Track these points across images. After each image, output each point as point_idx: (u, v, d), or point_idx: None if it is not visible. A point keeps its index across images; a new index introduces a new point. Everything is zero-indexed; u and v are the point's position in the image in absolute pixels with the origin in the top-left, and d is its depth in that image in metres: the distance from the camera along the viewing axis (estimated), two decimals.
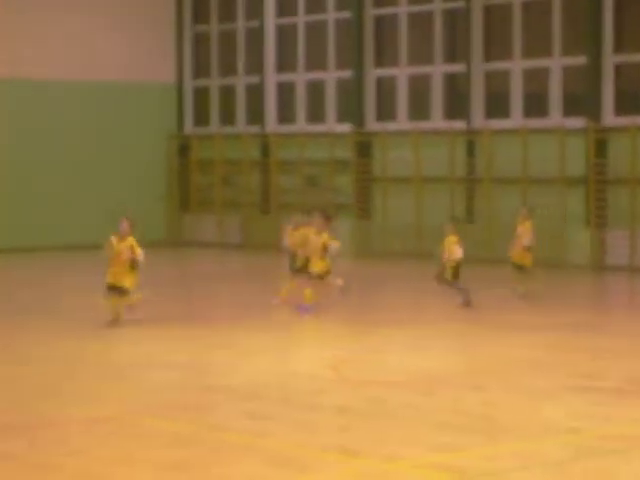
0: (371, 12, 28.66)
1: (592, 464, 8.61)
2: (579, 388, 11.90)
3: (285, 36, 31.50)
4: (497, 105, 27.47)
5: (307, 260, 18.69)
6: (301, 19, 30.30)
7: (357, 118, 29.55)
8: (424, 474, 8.27)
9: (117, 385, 12.92)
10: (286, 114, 32.25)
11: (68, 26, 30.94)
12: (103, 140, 31.31)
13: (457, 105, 28.92)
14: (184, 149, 33.70)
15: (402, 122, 29.11)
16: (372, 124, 29.58)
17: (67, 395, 12.47)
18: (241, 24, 32.43)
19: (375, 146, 29.48)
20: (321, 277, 18.13)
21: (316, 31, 30.42)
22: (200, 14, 33.61)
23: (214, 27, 33.16)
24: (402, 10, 28.02)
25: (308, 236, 18.86)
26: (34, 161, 30.35)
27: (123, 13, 32.38)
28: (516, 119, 26.60)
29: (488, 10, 26.99)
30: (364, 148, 29.80)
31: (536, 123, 26.48)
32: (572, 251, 25.74)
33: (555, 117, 26.44)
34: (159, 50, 33.40)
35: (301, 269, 18.65)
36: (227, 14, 33.05)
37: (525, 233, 20.66)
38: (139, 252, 17.12)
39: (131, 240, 17.34)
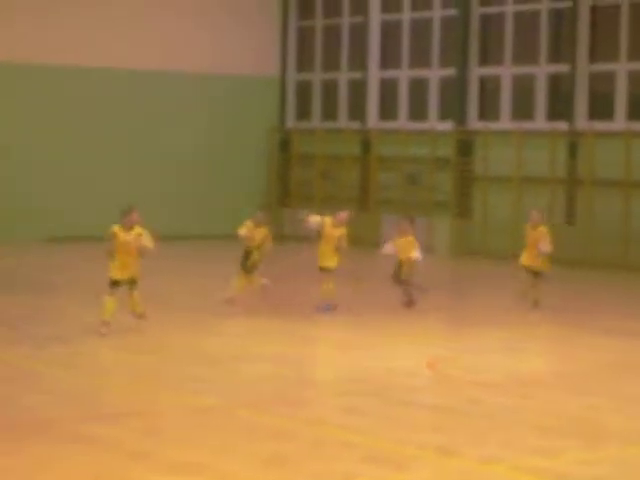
0: (477, 10, 28.61)
1: None
2: None
3: (389, 32, 31.54)
4: (601, 107, 27.27)
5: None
6: (406, 16, 30.23)
7: (459, 116, 29.49)
8: (522, 477, 8.21)
9: (214, 376, 13.08)
10: (388, 110, 32.15)
11: (171, 21, 31.48)
12: (206, 133, 31.71)
13: (560, 106, 28.72)
14: (285, 143, 33.69)
15: (504, 121, 29.04)
16: (474, 123, 29.50)
17: (167, 384, 12.71)
18: (346, 19, 32.55)
19: (476, 145, 29.34)
20: (330, 271, 18.27)
21: (421, 28, 30.34)
22: (305, 9, 33.65)
23: (319, 22, 33.20)
24: (508, 9, 27.82)
25: (324, 228, 19.18)
26: (135, 155, 30.99)
27: (230, 6, 32.56)
28: (619, 122, 26.07)
29: (595, 10, 26.63)
30: (465, 146, 29.60)
31: None
32: None
33: None
34: (264, 44, 33.41)
35: (251, 268, 18.10)
36: (332, 9, 33.11)
37: (541, 238, 20.23)
38: (149, 240, 16.52)
39: (139, 229, 16.65)
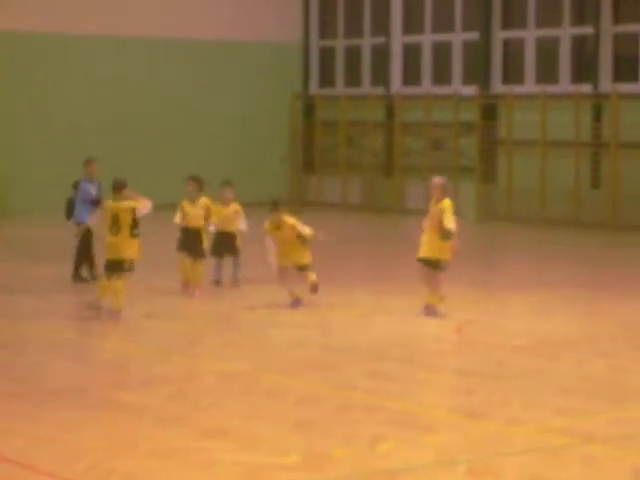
0: None
1: None
2: None
3: None
4: (625, 68, 27.01)
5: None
6: None
7: (483, 80, 29.23)
8: (549, 438, 8.26)
9: (243, 342, 13.20)
10: (411, 76, 31.88)
11: None
12: (228, 99, 31.61)
13: (584, 68, 28.48)
14: (309, 109, 33.53)
15: (528, 85, 28.78)
16: (498, 86, 29.23)
17: (197, 351, 12.98)
18: None
19: (500, 109, 29.17)
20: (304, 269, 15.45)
21: None
22: None
23: None
24: None
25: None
26: (156, 118, 30.92)
27: None
28: None
29: None
30: (489, 111, 29.42)
31: None
32: None
33: None
34: (286, 9, 33.33)
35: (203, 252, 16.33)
36: None
37: (443, 214, 15.36)
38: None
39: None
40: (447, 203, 14.65)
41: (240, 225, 16.83)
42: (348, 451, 7.76)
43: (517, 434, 8.59)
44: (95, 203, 16.19)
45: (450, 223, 14.31)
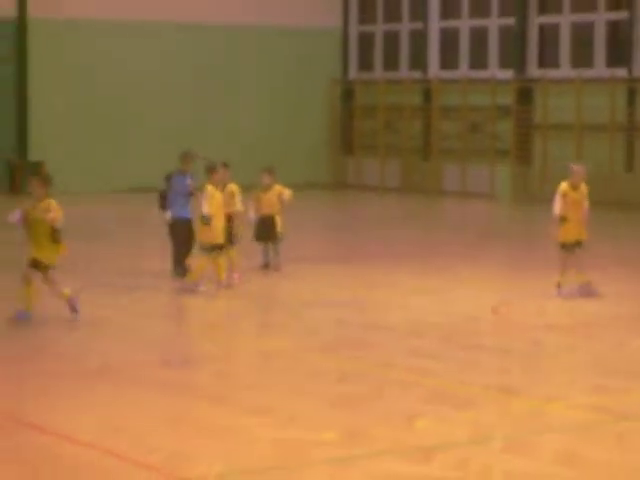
0: None
1: None
2: None
3: None
4: None
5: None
6: None
7: (519, 64, 29.13)
8: (584, 415, 8.28)
9: (284, 321, 13.26)
10: (448, 60, 31.96)
11: None
12: (268, 83, 31.88)
13: (619, 53, 28.30)
14: (348, 94, 33.67)
15: (564, 69, 28.61)
16: (534, 71, 29.15)
17: (239, 329, 12.98)
18: None
19: (536, 93, 29.05)
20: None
21: None
22: None
23: None
24: None
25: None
26: (202, 100, 31.12)
27: None
28: None
29: None
30: (525, 95, 29.34)
31: None
32: None
33: None
34: None
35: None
36: None
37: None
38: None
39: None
40: (585, 188, 15.22)
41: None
42: (385, 428, 7.79)
43: (551, 411, 8.60)
44: (190, 195, 15.79)
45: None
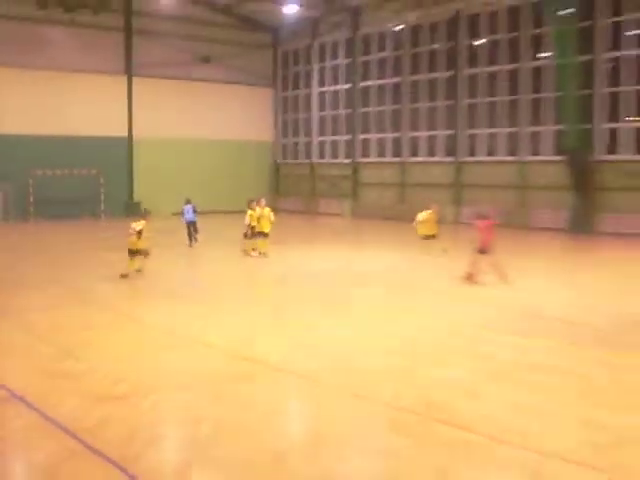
0: None
1: None
2: None
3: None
4: None
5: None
6: None
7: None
8: None
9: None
10: (326, 154, 47.12)
11: (222, 112, 47.22)
12: (238, 166, 45.76)
13: None
14: (276, 168, 49.29)
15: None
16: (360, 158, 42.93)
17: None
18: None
19: (360, 168, 42.47)
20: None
21: None
22: (285, 105, 49.19)
23: (291, 115, 48.74)
24: None
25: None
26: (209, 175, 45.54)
27: (248, 109, 48.32)
28: None
29: None
30: (355, 170, 42.85)
31: None
32: None
33: None
34: (266, 125, 49.16)
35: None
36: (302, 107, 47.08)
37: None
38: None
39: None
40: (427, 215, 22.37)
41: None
42: None
43: None
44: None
45: None
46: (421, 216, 22.86)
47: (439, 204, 24.83)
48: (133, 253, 20.00)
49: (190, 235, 27.98)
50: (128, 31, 43.87)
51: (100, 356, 11.60)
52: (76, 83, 42.00)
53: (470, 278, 18.50)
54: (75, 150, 41.66)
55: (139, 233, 19.76)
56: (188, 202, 28.35)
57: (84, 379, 10.37)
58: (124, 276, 19.82)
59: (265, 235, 23.76)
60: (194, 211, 28.07)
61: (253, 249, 24.10)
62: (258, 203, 24.07)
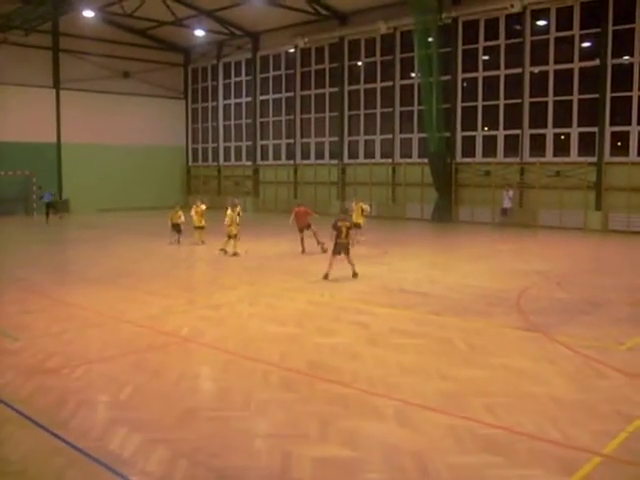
0: None
1: None
2: None
3: None
4: None
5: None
6: None
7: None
8: None
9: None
10: (230, 157, 45.60)
11: (138, 116, 45.10)
12: (155, 168, 44.51)
13: None
14: (188, 170, 47.63)
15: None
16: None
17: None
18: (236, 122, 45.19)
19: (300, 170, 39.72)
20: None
21: None
22: (194, 116, 47.43)
23: (202, 125, 47.33)
24: None
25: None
26: (131, 176, 45.01)
27: (165, 114, 46.80)
28: None
29: None
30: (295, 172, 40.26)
31: None
32: None
33: None
34: (178, 131, 48.07)
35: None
36: (213, 116, 46.18)
37: None
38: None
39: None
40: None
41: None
42: None
43: None
44: None
45: None
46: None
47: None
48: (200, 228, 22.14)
49: (47, 214, 33.75)
50: (56, 50, 42.59)
51: (35, 335, 11.33)
52: (10, 95, 40.65)
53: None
54: (10, 154, 40.44)
55: (199, 214, 21.45)
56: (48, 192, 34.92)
57: (20, 355, 10.11)
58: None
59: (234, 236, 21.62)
60: (51, 195, 34.30)
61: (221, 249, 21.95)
62: (232, 205, 21.68)
